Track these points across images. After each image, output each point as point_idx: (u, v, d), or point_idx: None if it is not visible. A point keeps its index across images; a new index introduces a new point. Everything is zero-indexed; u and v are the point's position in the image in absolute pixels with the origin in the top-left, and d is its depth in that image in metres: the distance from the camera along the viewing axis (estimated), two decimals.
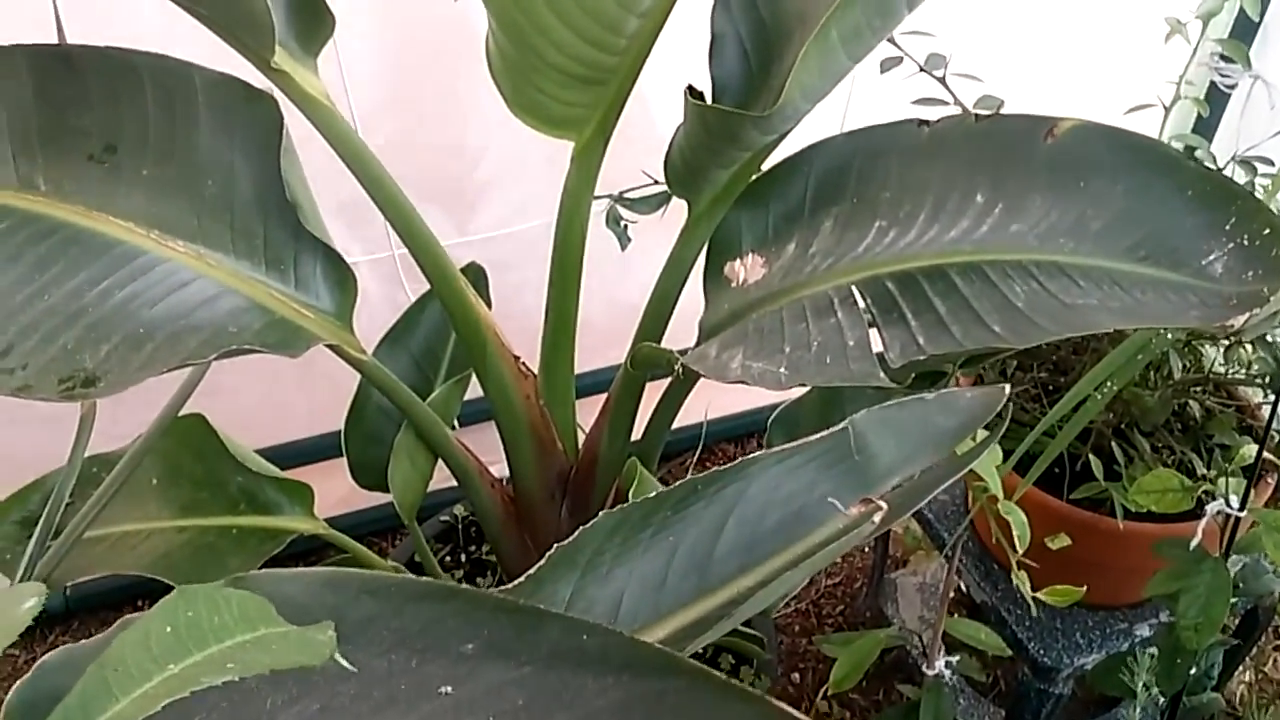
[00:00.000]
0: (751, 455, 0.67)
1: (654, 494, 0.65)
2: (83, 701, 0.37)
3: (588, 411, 1.15)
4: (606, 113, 0.90)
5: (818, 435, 0.68)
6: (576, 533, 0.63)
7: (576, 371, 1.08)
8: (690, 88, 0.86)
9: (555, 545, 0.62)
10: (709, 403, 1.27)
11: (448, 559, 1.42)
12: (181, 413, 1.04)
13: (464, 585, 0.49)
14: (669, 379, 1.05)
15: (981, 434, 0.73)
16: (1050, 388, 1.24)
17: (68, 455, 0.97)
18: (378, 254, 1.44)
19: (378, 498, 1.18)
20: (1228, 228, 0.81)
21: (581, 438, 1.10)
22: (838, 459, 0.67)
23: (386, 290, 1.44)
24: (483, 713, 0.45)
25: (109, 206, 0.90)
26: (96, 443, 1.10)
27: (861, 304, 0.84)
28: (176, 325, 0.87)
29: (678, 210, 1.01)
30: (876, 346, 0.82)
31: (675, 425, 1.12)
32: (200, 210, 0.93)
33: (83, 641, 0.46)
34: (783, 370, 0.80)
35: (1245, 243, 0.81)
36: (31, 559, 0.96)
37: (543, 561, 0.62)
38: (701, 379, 1.09)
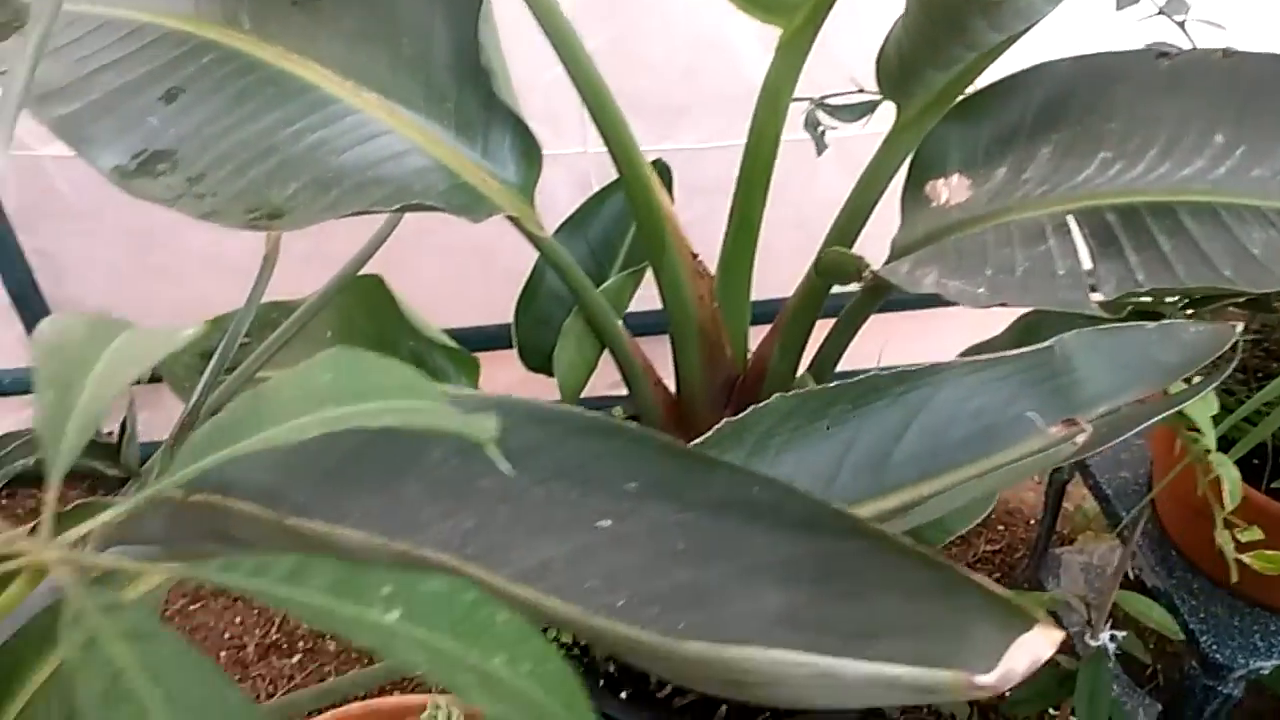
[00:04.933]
0: (943, 361, 0.62)
1: (834, 384, 0.60)
2: (233, 421, 0.35)
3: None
4: None
5: (1018, 351, 0.62)
6: (748, 410, 0.59)
7: (757, 298, 1.04)
8: None
9: (725, 420, 0.59)
10: (882, 348, 1.21)
11: None
12: (361, 273, 1.05)
13: (630, 423, 0.45)
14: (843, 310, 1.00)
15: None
16: (1259, 374, 1.14)
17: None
18: (570, 149, 1.43)
19: (543, 393, 1.16)
20: None
21: (753, 349, 1.05)
22: (1039, 379, 0.61)
23: (572, 194, 1.42)
24: (640, 550, 0.42)
25: (308, 51, 0.90)
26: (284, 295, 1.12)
27: (1077, 233, 0.78)
28: (363, 175, 0.86)
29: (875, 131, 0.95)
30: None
31: (843, 370, 1.06)
32: (397, 66, 0.92)
33: None
34: (982, 290, 0.74)
35: None
36: (204, 389, 0.98)
37: (709, 433, 0.58)
38: (874, 318, 1.03)
